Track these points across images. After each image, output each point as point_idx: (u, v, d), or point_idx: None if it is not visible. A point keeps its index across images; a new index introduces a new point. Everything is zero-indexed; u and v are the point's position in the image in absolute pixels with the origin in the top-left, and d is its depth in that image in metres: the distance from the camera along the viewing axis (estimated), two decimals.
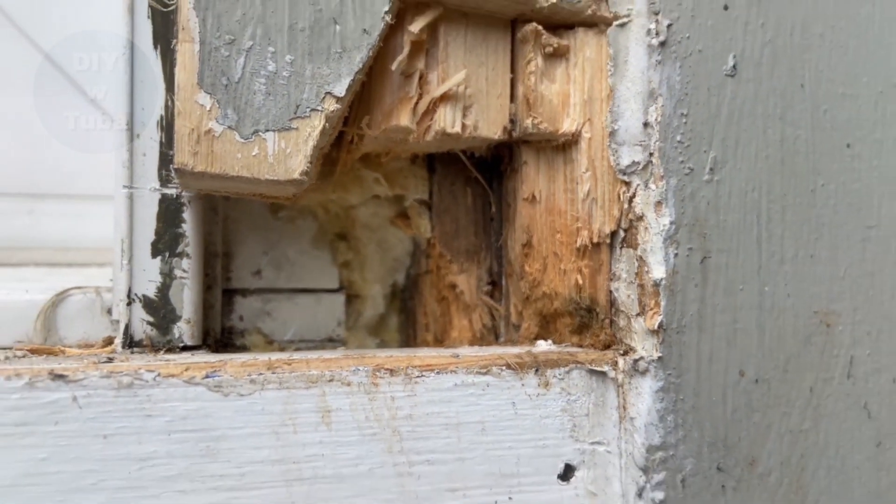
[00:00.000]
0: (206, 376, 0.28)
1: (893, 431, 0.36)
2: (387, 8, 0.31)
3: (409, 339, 0.41)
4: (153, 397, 0.27)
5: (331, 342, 0.40)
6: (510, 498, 0.31)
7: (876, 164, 0.35)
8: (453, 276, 0.38)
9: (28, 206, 0.46)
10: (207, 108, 0.29)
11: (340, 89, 0.30)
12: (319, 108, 0.30)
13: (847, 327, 0.35)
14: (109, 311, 0.36)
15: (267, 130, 0.30)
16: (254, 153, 0.29)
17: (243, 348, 0.38)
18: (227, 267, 0.38)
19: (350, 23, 0.30)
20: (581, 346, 0.35)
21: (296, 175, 0.30)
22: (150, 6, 0.33)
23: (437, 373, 0.31)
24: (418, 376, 0.30)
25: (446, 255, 0.38)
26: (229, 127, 0.29)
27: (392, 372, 0.30)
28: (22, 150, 0.47)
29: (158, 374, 0.27)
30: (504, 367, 0.31)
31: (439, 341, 0.39)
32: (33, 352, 0.32)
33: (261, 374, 0.29)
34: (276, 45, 0.30)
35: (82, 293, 0.36)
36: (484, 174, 0.39)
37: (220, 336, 0.38)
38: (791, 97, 0.34)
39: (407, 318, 0.41)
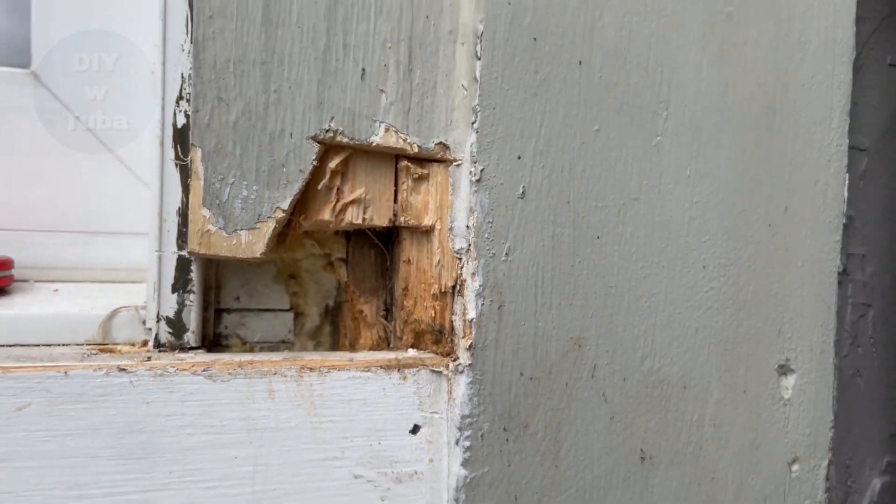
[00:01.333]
0: (204, 370, 0.50)
1: (621, 410, 0.58)
2: (314, 157, 0.52)
3: (335, 342, 0.63)
4: (174, 381, 0.50)
5: (283, 343, 0.62)
6: (380, 443, 0.54)
7: (616, 248, 0.57)
8: (361, 305, 0.61)
9: (84, 240, 0.67)
10: (207, 217, 0.51)
11: (285, 205, 0.52)
12: (272, 216, 0.52)
13: (592, 347, 0.57)
14: (144, 322, 0.58)
15: (241, 230, 0.51)
16: (233, 243, 0.51)
17: (227, 347, 0.60)
18: (217, 294, 0.60)
19: (292, 166, 0.52)
20: (436, 353, 0.57)
21: (258, 255, 0.52)
22: (168, 142, 0.54)
23: (339, 370, 0.53)
24: (327, 371, 0.53)
25: (357, 292, 0.61)
26: (220, 228, 0.51)
27: (311, 369, 0.52)
28: (78, 200, 0.68)
29: (176, 369, 0.50)
30: (379, 368, 0.54)
31: (352, 345, 0.61)
32: (101, 350, 0.54)
33: (234, 369, 0.51)
34: (248, 180, 0.51)
35: (127, 310, 0.58)
36: (382, 241, 0.61)
37: (212, 339, 0.60)
38: (560, 209, 0.55)
39: (335, 328, 0.63)
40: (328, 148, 0.54)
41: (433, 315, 0.57)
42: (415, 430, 0.55)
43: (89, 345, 0.57)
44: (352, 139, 0.53)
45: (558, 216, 0.55)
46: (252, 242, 0.52)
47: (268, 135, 0.51)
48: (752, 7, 0.61)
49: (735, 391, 0.62)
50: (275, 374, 0.51)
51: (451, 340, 0.56)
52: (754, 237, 0.62)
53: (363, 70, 0.53)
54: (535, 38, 0.54)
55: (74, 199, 0.68)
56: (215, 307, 0.60)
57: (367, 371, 0.53)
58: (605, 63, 0.56)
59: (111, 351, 0.55)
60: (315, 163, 0.52)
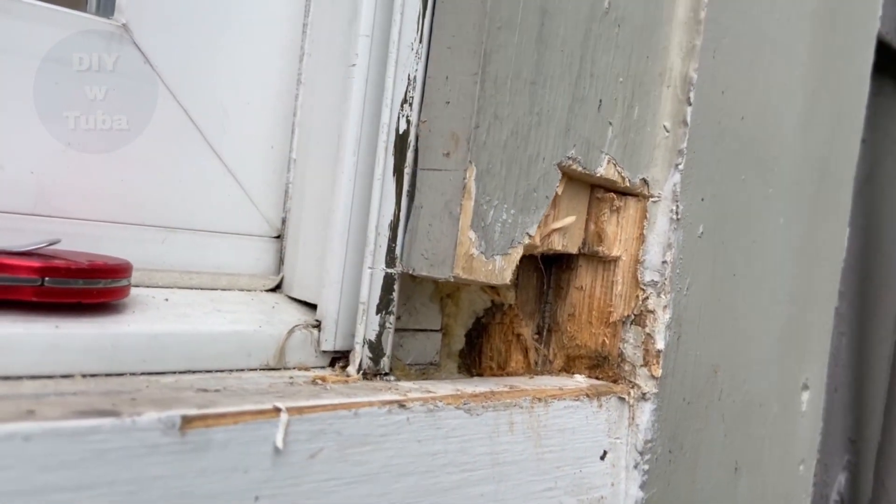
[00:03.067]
0: (464, 404, 0.47)
1: (730, 429, 0.66)
2: (557, 183, 0.51)
3: (472, 363, 0.61)
4: (440, 416, 0.45)
5: (431, 365, 0.58)
6: (581, 470, 0.54)
7: (743, 284, 0.65)
8: (520, 329, 0.60)
9: (163, 237, 0.56)
10: (472, 240, 0.47)
11: (532, 231, 0.50)
12: (521, 241, 0.50)
13: (722, 374, 0.64)
14: (318, 344, 0.51)
15: (497, 255, 0.49)
16: (489, 268, 0.48)
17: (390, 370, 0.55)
18: None
19: (541, 191, 0.51)
20: (598, 380, 0.59)
21: (507, 280, 0.50)
22: (390, 148, 0.49)
23: (557, 399, 0.53)
24: (549, 401, 0.52)
25: (520, 315, 0.60)
26: (481, 252, 0.48)
27: (539, 399, 0.51)
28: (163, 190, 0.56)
29: (444, 403, 0.46)
30: (584, 396, 0.54)
31: (501, 368, 0.60)
32: (322, 379, 0.47)
33: (486, 402, 0.48)
34: (507, 204, 0.49)
35: (300, 330, 0.51)
36: (544, 266, 0.61)
37: None
38: (718, 249, 0.61)
39: (471, 349, 0.61)
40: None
41: (602, 342, 0.59)
42: (603, 455, 0.56)
43: (268, 370, 0.49)
44: (584, 168, 0.53)
45: (717, 255, 0.61)
46: (503, 268, 0.49)
47: (527, 157, 0.49)
48: (826, 84, 0.72)
49: (781, 406, 0.73)
50: (514, 405, 0.50)
51: (619, 367, 0.59)
52: (806, 277, 0.74)
53: (600, 101, 0.53)
54: (722, 92, 0.59)
55: (160, 189, 0.56)
56: None
57: (577, 400, 0.54)
58: (755, 120, 0.63)
59: (322, 379, 0.48)
60: (558, 190, 0.52)
